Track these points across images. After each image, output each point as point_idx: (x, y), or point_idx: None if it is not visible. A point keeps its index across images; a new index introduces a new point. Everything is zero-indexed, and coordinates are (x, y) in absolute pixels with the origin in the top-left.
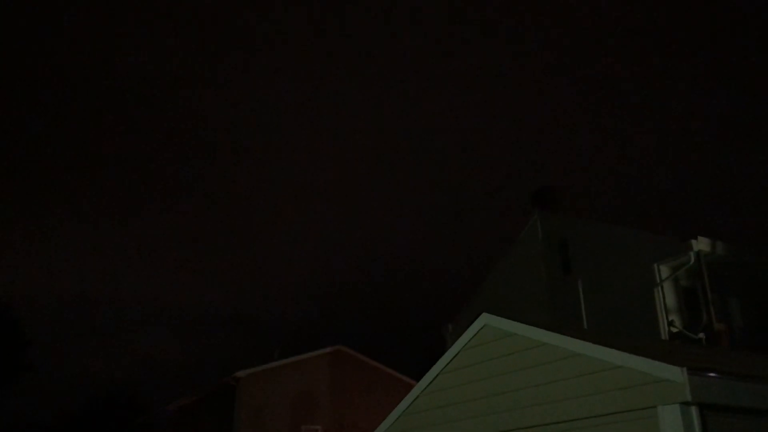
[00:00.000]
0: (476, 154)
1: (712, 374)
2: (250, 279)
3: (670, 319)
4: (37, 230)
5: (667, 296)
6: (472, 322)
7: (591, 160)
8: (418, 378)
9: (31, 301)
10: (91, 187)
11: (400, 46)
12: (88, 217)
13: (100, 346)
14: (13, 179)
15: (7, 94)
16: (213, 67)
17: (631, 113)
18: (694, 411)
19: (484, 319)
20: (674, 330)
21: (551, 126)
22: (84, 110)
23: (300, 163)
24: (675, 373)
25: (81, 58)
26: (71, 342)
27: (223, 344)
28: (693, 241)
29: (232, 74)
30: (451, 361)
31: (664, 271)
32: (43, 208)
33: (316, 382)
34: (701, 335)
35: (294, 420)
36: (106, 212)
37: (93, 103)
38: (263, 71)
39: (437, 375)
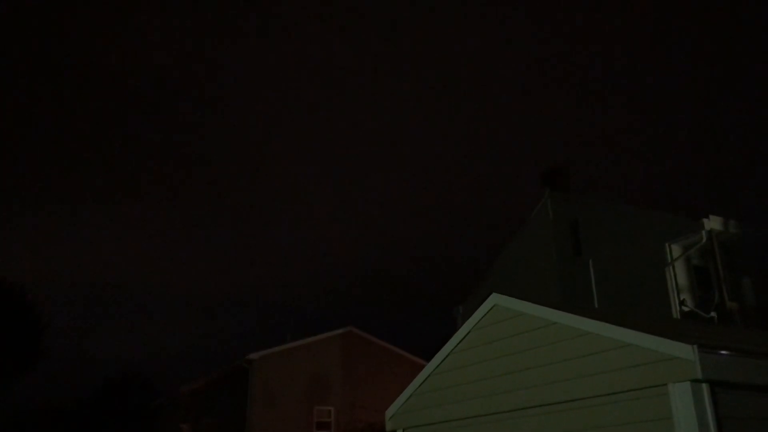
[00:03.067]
0: (487, 136)
1: (723, 352)
2: (262, 263)
3: (682, 298)
4: (53, 215)
5: (678, 275)
6: (482, 302)
7: (602, 140)
8: (428, 359)
9: (48, 286)
10: (108, 172)
11: (414, 31)
12: (103, 202)
13: (116, 330)
14: (29, 166)
15: (25, 83)
16: (228, 57)
17: (641, 92)
18: (705, 388)
19: (494, 299)
20: (686, 309)
21: (561, 107)
22: (99, 98)
23: (312, 149)
24: (686, 351)
25: (92, 45)
26: (87, 326)
27: (236, 327)
28: (705, 220)
29: (247, 61)
30: (461, 341)
31: (676, 250)
32: (58, 194)
33: (327, 364)
34: (713, 314)
35: (306, 401)
36: (122, 197)
37: (107, 91)
38: (282, 53)
39: (447, 355)
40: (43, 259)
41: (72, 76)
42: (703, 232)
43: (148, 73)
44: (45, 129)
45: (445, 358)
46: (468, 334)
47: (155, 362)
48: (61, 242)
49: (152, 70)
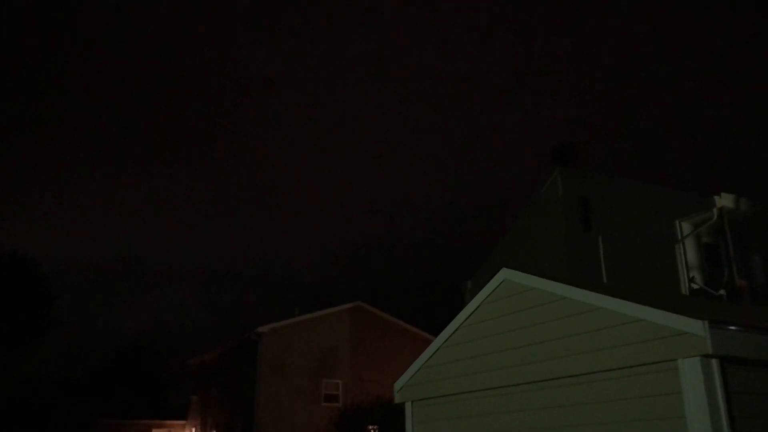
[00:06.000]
0: (497, 111)
1: (733, 327)
2: (272, 237)
3: (691, 275)
4: (68, 188)
5: (688, 253)
6: (492, 277)
7: (613, 116)
8: (436, 334)
9: (61, 258)
10: (121, 145)
11: (426, 12)
12: (117, 176)
13: (127, 303)
14: (48, 139)
15: (48, 53)
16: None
17: (653, 71)
18: (714, 364)
19: (504, 274)
20: (695, 286)
21: (572, 83)
22: (121, 72)
23: (321, 125)
24: (696, 326)
25: (121, 20)
26: (99, 298)
27: (246, 300)
28: (716, 198)
29: (272, 53)
30: (470, 315)
31: (686, 227)
32: (72, 166)
33: (336, 338)
34: (722, 292)
35: (315, 374)
36: (134, 171)
37: (130, 64)
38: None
39: (456, 329)
40: (58, 233)
41: (95, 47)
42: (714, 210)
43: (172, 51)
44: (64, 103)
45: (454, 332)
46: (477, 308)
47: (166, 334)
48: (75, 216)
49: (177, 50)
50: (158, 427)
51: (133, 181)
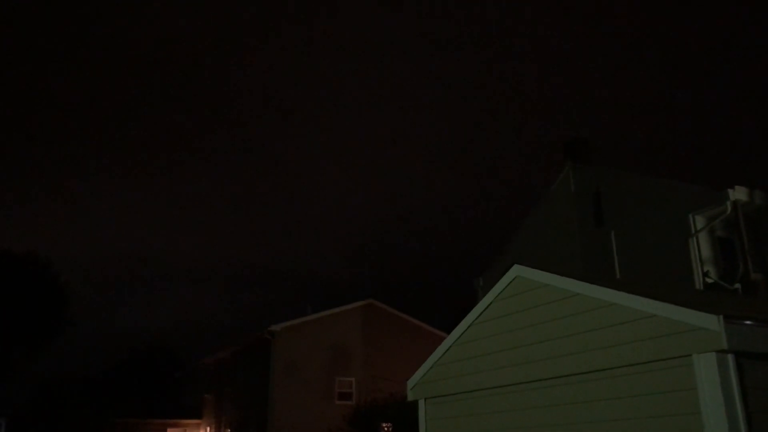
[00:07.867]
0: (508, 106)
1: (748, 322)
2: (284, 236)
3: (705, 269)
4: (82, 188)
5: (702, 247)
6: (504, 274)
7: (625, 110)
8: (448, 331)
9: (77, 259)
10: (134, 144)
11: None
12: (130, 176)
13: (142, 302)
14: (54, 139)
15: (63, 53)
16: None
17: (665, 64)
18: (730, 359)
19: (516, 270)
20: (709, 281)
21: (584, 77)
22: (134, 70)
23: (335, 124)
24: (711, 321)
25: (131, 18)
26: (115, 297)
27: (258, 299)
28: (730, 191)
29: (281, 39)
30: (483, 312)
31: (700, 221)
32: (85, 166)
33: (348, 335)
34: (737, 286)
35: (328, 372)
36: (147, 171)
37: (143, 63)
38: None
39: (469, 326)
40: (73, 232)
41: (108, 46)
42: (728, 203)
43: (187, 49)
44: (79, 102)
45: (466, 329)
46: (490, 305)
47: (180, 333)
48: (90, 215)
49: (191, 48)
50: (173, 426)
51: (147, 180)
